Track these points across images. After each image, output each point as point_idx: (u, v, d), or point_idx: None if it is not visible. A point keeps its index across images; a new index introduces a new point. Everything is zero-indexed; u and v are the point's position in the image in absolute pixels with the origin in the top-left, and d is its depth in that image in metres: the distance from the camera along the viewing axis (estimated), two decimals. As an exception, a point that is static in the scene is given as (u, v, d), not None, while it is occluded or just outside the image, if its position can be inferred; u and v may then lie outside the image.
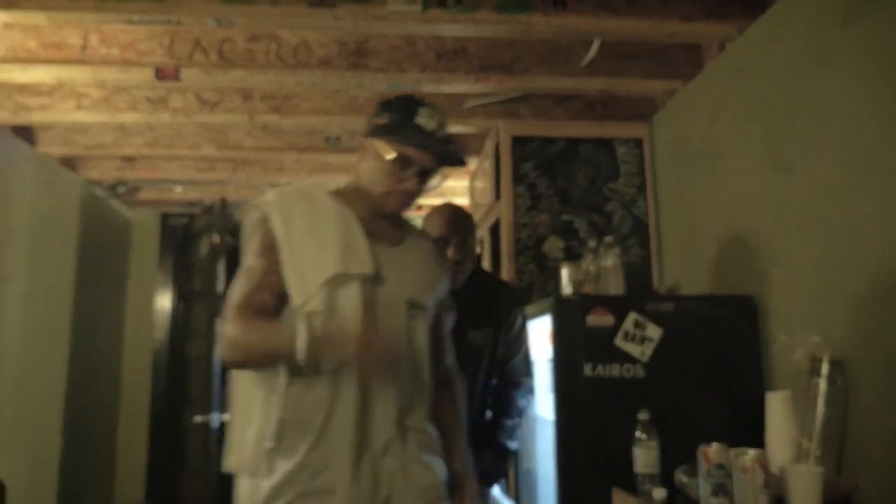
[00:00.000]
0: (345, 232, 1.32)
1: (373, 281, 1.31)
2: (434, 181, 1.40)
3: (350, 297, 1.28)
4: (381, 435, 1.27)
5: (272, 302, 1.29)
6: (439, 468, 1.36)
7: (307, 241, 1.30)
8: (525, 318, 2.09)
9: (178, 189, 3.95)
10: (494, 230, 2.99)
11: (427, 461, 1.34)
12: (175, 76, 2.35)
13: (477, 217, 3.26)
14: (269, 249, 1.30)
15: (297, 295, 1.27)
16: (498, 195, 2.85)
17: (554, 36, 2.31)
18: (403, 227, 1.47)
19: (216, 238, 4.03)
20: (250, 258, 1.32)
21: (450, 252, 1.89)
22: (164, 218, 4.30)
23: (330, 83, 2.52)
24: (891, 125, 1.50)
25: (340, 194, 1.39)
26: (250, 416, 1.30)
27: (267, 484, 1.24)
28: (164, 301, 4.20)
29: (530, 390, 2.08)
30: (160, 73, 2.33)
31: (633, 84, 2.53)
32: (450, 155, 1.38)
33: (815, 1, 1.76)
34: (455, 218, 1.99)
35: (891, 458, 1.47)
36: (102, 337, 3.90)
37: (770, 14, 1.97)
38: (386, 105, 1.39)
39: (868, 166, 1.56)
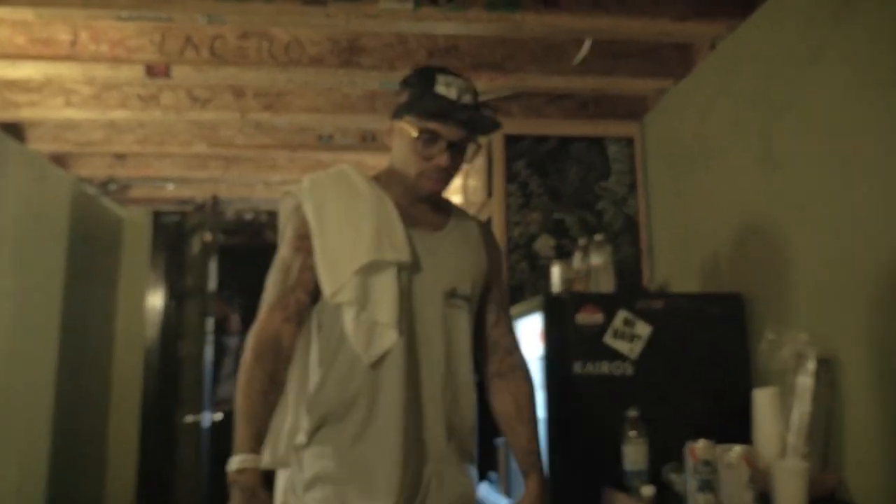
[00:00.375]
0: (380, 217, 1.25)
1: (409, 269, 1.24)
2: (470, 152, 1.31)
3: (384, 287, 1.21)
4: (426, 435, 1.22)
5: (308, 301, 1.23)
6: (473, 478, 1.30)
7: (341, 227, 1.24)
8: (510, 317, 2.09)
9: (170, 187, 3.93)
10: (486, 228, 2.99)
11: (462, 469, 1.28)
12: (166, 73, 2.33)
13: (469, 215, 3.26)
14: (303, 238, 1.24)
15: (328, 285, 1.21)
16: (490, 193, 2.86)
17: (546, 34, 2.31)
18: (448, 210, 1.39)
19: (208, 236, 4.02)
20: (285, 249, 1.26)
21: None
22: (156, 216, 4.28)
23: (322, 81, 2.52)
24: (882, 124, 1.51)
25: (378, 179, 1.33)
26: (284, 409, 1.24)
27: (299, 482, 1.19)
28: (156, 299, 4.18)
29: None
30: (151, 70, 2.32)
31: (625, 83, 2.54)
32: (477, 122, 1.29)
33: None
34: None
35: (876, 454, 1.48)
36: (93, 335, 3.88)
37: (760, 13, 1.98)
38: (405, 81, 1.32)
39: (858, 165, 1.57)
